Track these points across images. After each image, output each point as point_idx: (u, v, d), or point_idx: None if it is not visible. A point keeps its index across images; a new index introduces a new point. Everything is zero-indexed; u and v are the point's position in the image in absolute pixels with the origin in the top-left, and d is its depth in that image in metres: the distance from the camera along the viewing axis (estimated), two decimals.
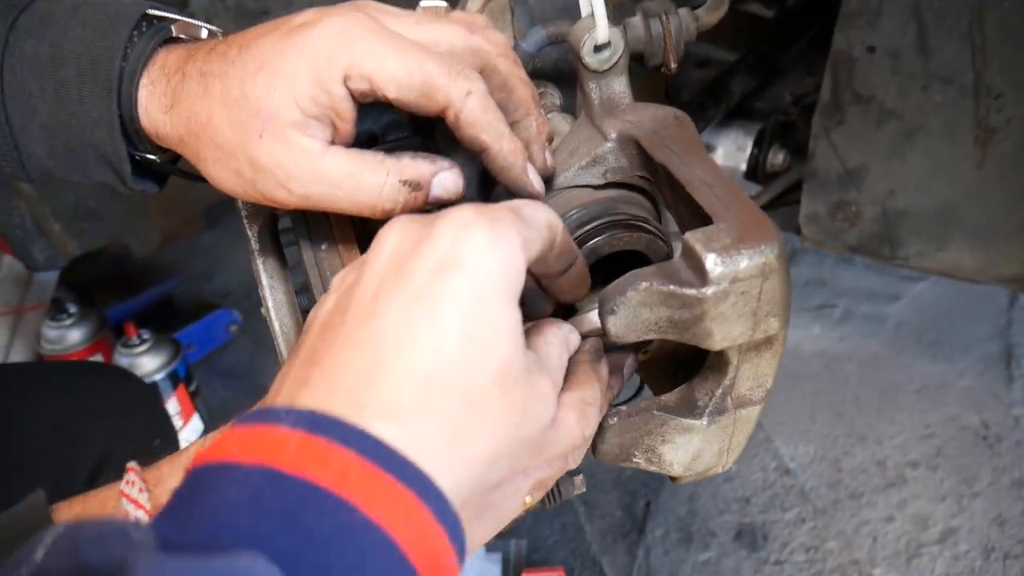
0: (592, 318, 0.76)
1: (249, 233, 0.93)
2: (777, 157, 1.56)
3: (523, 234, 0.58)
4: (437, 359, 0.51)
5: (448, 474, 0.49)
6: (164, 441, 1.18)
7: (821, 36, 1.67)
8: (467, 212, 0.57)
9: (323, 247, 0.85)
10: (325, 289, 0.84)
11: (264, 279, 0.92)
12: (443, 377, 0.51)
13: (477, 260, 0.54)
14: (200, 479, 0.46)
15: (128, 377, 1.31)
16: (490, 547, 1.77)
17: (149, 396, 1.30)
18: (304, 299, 0.96)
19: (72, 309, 1.91)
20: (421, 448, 0.48)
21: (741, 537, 1.82)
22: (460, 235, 0.55)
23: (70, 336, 1.88)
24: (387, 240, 0.57)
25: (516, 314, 0.56)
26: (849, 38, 1.21)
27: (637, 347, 0.87)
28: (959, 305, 2.30)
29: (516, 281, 0.56)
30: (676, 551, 1.81)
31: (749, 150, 1.59)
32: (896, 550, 1.75)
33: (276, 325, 0.92)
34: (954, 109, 1.19)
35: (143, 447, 1.12)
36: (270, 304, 0.92)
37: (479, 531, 0.62)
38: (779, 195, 1.57)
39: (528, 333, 0.65)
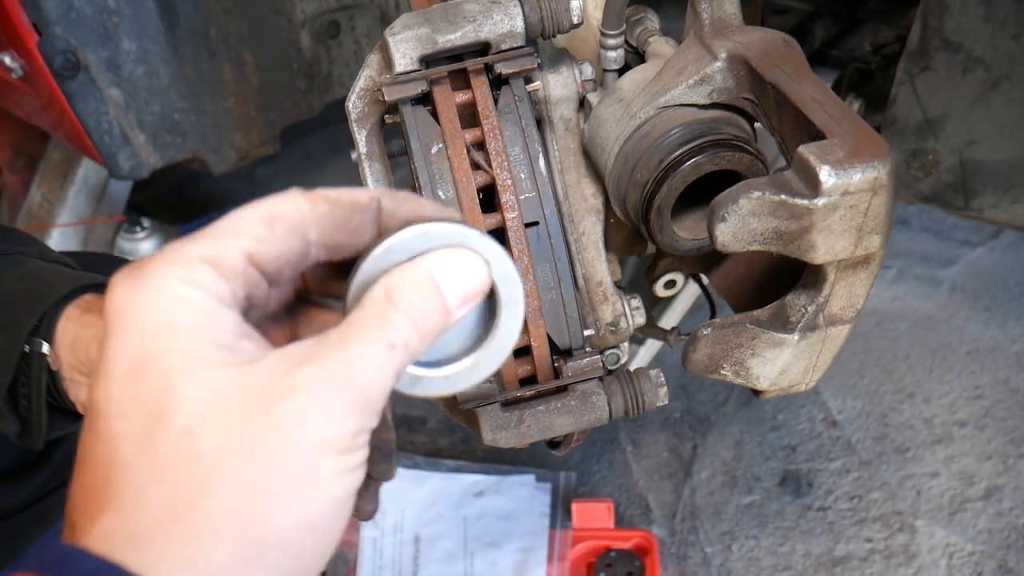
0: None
1: (357, 137, 0.96)
2: (853, 106, 1.56)
3: (194, 257, 0.48)
4: (108, 452, 0.45)
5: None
6: None
7: None
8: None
9: (433, 150, 0.88)
10: (434, 191, 0.87)
11: (370, 181, 0.95)
12: (126, 464, 0.44)
13: (115, 317, 0.47)
14: None
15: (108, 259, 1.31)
16: (540, 477, 1.81)
17: None
18: None
19: (146, 224, 1.96)
20: (168, 566, 0.42)
21: (786, 483, 1.85)
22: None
23: (142, 248, 1.94)
24: None
25: (221, 327, 0.47)
26: None
27: None
28: (1014, 273, 2.29)
29: (186, 304, 0.47)
30: (721, 492, 1.84)
31: None
32: (940, 504, 1.77)
33: None
34: None
35: None
36: None
37: None
38: None
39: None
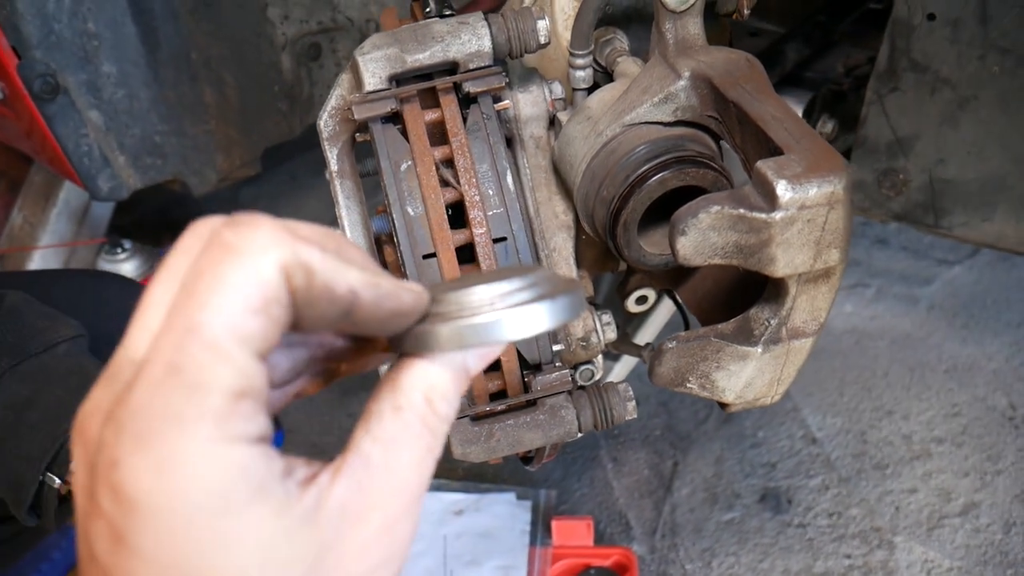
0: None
1: (328, 155, 0.97)
2: (826, 126, 1.59)
3: (211, 409, 0.38)
4: None
5: None
6: None
7: (872, 11, 1.69)
8: (111, 431, 0.39)
9: (402, 168, 0.89)
10: (403, 207, 0.88)
11: (341, 199, 0.96)
12: None
13: (139, 518, 0.38)
14: None
15: (125, 282, 1.39)
16: (520, 495, 1.81)
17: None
18: (377, 223, 1.01)
19: (127, 245, 1.97)
20: None
21: (765, 500, 1.86)
22: (112, 479, 0.38)
23: (123, 270, 1.95)
24: (75, 453, 0.43)
25: (252, 525, 0.39)
26: (910, 4, 1.24)
27: None
28: (991, 291, 2.31)
29: (230, 486, 0.38)
30: (701, 510, 1.85)
31: None
32: (918, 520, 1.78)
33: None
34: (1010, 80, 1.22)
35: None
36: (346, 224, 0.97)
37: None
38: None
39: (361, 421, 0.45)
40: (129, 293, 1.35)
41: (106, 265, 1.95)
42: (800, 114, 1.64)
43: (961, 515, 1.78)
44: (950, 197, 1.36)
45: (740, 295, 0.99)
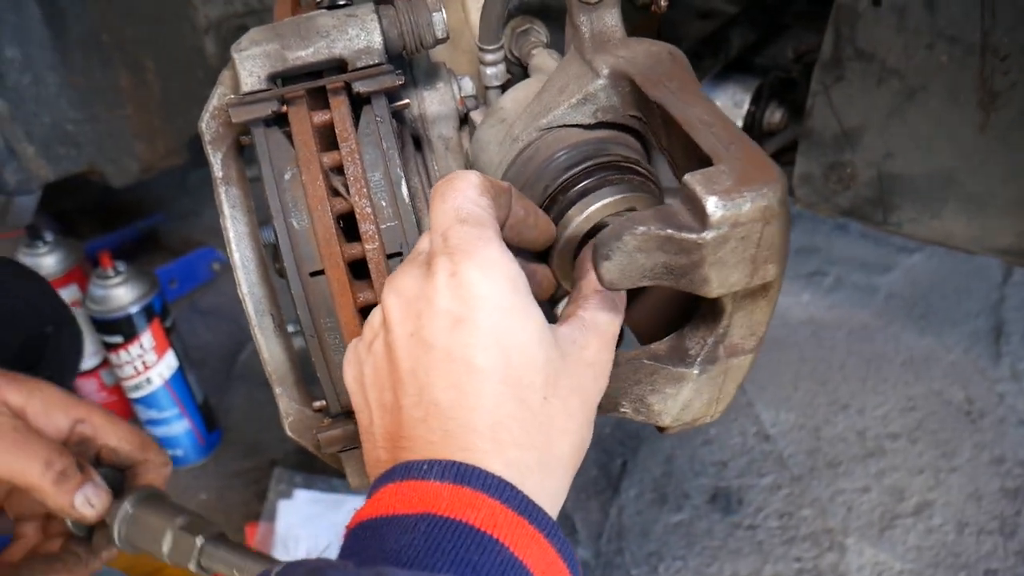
0: None
1: (212, 160, 0.88)
2: (775, 115, 1.52)
3: (493, 233, 0.63)
4: (500, 406, 0.60)
5: (552, 499, 0.63)
6: (57, 328, 1.24)
7: None
8: (442, 261, 0.61)
9: (287, 176, 0.81)
10: (287, 220, 0.80)
11: (226, 209, 0.88)
12: (514, 417, 0.60)
13: (478, 302, 0.60)
14: (368, 530, 0.56)
15: (17, 267, 1.35)
16: None
17: (41, 285, 1.32)
18: (267, 232, 0.92)
19: (48, 237, 1.86)
20: (539, 493, 0.60)
21: (716, 500, 1.80)
22: (452, 284, 0.60)
23: (44, 264, 1.83)
24: (391, 311, 0.64)
25: (533, 313, 0.62)
26: None
27: None
28: (951, 279, 2.27)
29: (517, 283, 0.62)
30: (649, 511, 1.79)
31: (746, 107, 1.54)
32: (870, 520, 1.74)
33: (236, 256, 0.88)
34: (959, 70, 1.15)
35: (33, 332, 1.20)
36: (231, 235, 0.89)
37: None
38: (774, 155, 1.52)
39: (569, 304, 0.71)
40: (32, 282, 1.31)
41: (26, 259, 1.84)
42: (747, 102, 1.56)
43: (914, 515, 1.74)
44: (898, 192, 1.29)
45: (681, 310, 0.92)
